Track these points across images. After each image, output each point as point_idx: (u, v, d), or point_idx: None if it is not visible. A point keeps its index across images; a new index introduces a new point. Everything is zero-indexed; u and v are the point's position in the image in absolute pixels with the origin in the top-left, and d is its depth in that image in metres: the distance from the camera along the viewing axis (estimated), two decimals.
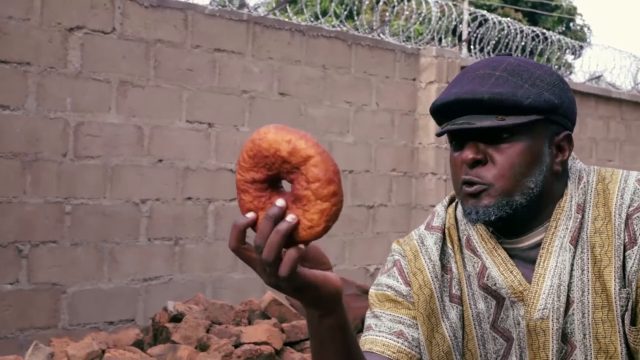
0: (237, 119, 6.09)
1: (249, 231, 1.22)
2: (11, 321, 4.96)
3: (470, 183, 1.51)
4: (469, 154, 1.50)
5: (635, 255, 1.49)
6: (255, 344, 4.72)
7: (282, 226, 1.17)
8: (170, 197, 5.70)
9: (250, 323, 5.13)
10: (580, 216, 1.54)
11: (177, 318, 4.86)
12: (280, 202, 1.19)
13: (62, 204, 5.15)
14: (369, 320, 1.63)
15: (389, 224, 7.16)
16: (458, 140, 1.54)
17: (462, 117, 1.51)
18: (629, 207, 1.51)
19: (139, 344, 4.75)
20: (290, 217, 1.17)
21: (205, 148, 5.88)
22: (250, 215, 1.20)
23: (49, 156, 5.10)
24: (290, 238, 1.18)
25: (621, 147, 9.86)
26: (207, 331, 4.79)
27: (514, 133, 1.49)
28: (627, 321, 1.50)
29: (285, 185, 1.23)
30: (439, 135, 1.54)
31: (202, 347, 4.62)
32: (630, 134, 10.02)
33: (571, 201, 1.55)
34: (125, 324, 5.43)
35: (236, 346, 4.69)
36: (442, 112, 1.53)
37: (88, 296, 5.28)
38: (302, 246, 1.18)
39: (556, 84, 1.53)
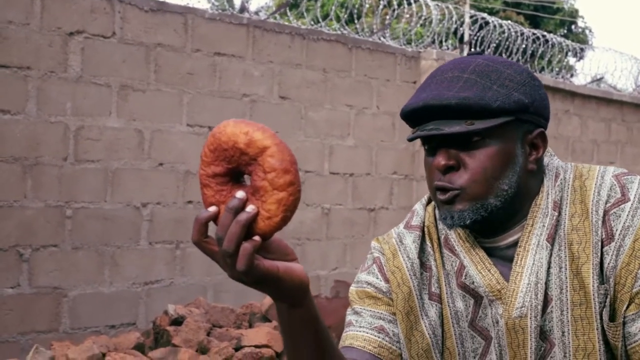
0: None
1: (212, 225, 1.23)
2: (12, 325, 4.97)
3: (443, 189, 1.51)
4: (440, 160, 1.50)
5: (613, 252, 1.49)
6: (256, 347, 4.72)
7: (242, 217, 1.18)
8: (171, 201, 5.71)
9: (251, 326, 5.13)
10: (556, 213, 1.54)
11: (178, 321, 4.86)
12: (240, 193, 1.20)
13: (63, 207, 5.16)
14: (349, 317, 1.64)
15: (390, 227, 7.15)
16: (430, 144, 1.54)
17: (431, 122, 1.50)
18: (606, 204, 1.51)
19: (140, 348, 4.75)
20: (249, 208, 1.19)
21: None
22: (212, 208, 1.22)
23: (50, 160, 5.11)
24: (251, 230, 1.19)
25: (623, 149, 9.86)
26: (208, 334, 4.80)
27: (485, 136, 1.49)
28: (605, 317, 1.50)
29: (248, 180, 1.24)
30: (410, 140, 1.54)
31: (203, 350, 4.62)
32: (631, 136, 10.01)
33: (547, 198, 1.55)
34: (127, 327, 5.43)
35: (237, 349, 4.69)
36: (411, 118, 1.53)
37: (89, 300, 5.28)
38: (256, 238, 1.19)
39: (526, 83, 1.52)
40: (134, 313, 5.52)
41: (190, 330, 4.72)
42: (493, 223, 1.54)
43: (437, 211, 1.63)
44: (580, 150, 9.24)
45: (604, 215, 1.51)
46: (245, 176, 1.25)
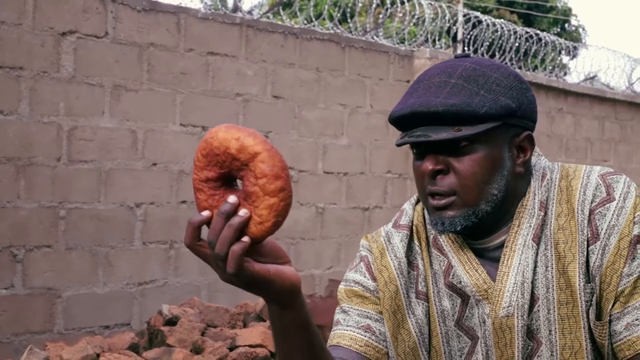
0: (231, 122, 6.09)
1: (205, 229, 1.24)
2: (6, 326, 4.96)
3: (436, 194, 1.52)
4: (428, 165, 1.51)
5: (598, 251, 1.50)
6: (251, 346, 4.72)
7: (234, 221, 1.20)
8: (165, 201, 5.70)
9: (245, 326, 5.13)
10: (542, 213, 1.55)
11: (172, 321, 4.86)
12: (232, 198, 1.22)
13: (57, 208, 5.15)
14: (337, 316, 1.65)
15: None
16: (418, 149, 1.55)
17: (419, 128, 1.51)
18: (591, 203, 1.52)
19: (134, 348, 4.74)
20: (242, 212, 1.21)
21: None
22: (205, 213, 1.24)
23: (43, 161, 5.10)
24: (242, 235, 1.21)
25: (616, 147, 9.87)
26: (202, 334, 4.79)
27: (473, 142, 1.50)
28: (592, 316, 1.51)
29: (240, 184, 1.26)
30: (398, 145, 1.54)
31: (197, 350, 4.62)
32: (625, 134, 10.03)
33: (534, 199, 1.56)
34: (121, 327, 5.43)
35: (231, 349, 4.69)
36: (399, 123, 1.54)
37: (83, 300, 5.28)
38: (245, 239, 1.21)
39: (513, 86, 1.52)
40: (128, 313, 5.51)
41: (184, 330, 4.72)
42: (482, 227, 1.55)
43: (426, 213, 1.64)
44: (573, 148, 9.25)
45: (590, 214, 1.52)
46: (238, 181, 1.26)
